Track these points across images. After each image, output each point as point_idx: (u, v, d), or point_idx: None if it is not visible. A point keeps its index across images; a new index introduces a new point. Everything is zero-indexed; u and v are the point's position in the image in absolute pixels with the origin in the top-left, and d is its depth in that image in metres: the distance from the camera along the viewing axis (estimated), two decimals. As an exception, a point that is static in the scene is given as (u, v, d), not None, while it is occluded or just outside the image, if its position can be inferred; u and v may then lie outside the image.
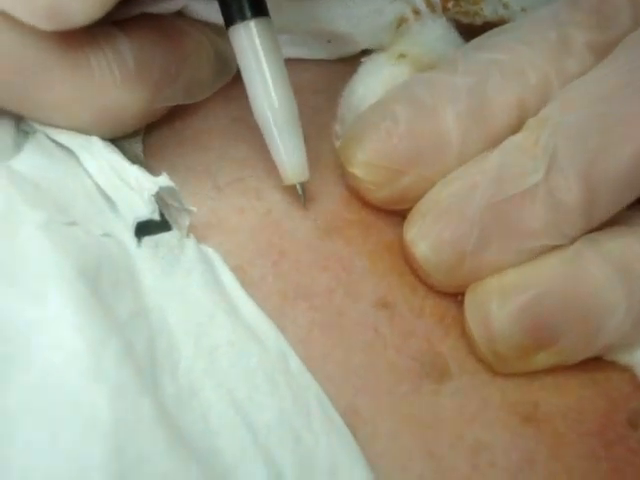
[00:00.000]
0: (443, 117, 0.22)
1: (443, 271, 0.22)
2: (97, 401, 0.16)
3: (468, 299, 0.22)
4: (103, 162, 0.21)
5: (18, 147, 0.22)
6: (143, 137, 0.24)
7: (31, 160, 0.21)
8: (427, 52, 0.26)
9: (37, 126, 0.22)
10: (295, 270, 0.22)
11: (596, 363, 0.22)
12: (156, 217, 0.20)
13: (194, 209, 0.21)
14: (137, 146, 0.23)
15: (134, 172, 0.21)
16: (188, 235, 0.21)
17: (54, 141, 0.22)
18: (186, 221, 0.21)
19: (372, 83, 0.25)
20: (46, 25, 0.19)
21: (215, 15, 0.22)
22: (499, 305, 0.21)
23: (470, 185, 0.21)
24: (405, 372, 0.21)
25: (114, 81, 0.21)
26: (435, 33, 0.27)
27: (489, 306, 0.21)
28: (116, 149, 0.22)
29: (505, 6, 0.30)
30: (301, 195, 0.23)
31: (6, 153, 0.21)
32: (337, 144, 0.25)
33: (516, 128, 0.22)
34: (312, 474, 0.18)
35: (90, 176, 0.21)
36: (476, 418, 0.21)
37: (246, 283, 0.21)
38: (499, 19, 0.29)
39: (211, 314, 0.20)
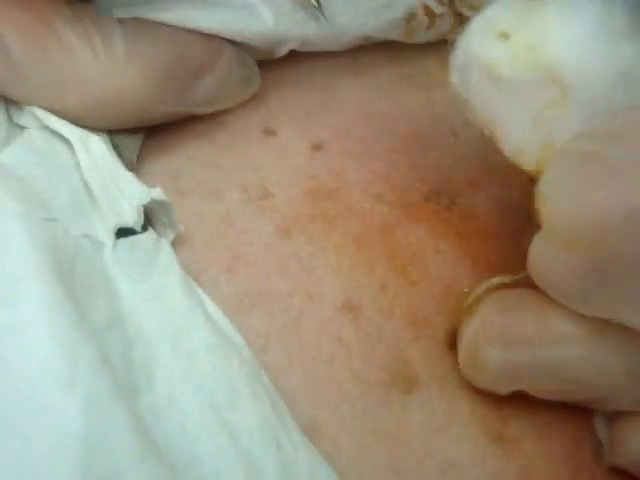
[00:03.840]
0: None
1: None
2: (70, 411, 0.15)
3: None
4: (99, 160, 0.20)
5: (7, 141, 0.21)
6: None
7: (18, 154, 0.20)
8: None
9: (37, 113, 0.21)
10: (252, 274, 0.21)
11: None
12: (138, 228, 0.19)
13: (182, 228, 0.20)
14: (134, 145, 0.22)
15: (128, 178, 0.20)
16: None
17: (53, 132, 0.21)
18: (171, 237, 0.20)
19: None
20: None
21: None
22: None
23: None
24: (371, 383, 0.20)
25: (99, 64, 0.20)
26: None
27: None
28: (113, 151, 0.21)
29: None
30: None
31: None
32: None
33: None
34: None
35: (81, 170, 0.20)
36: (445, 432, 0.19)
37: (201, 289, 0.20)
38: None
39: (189, 316, 0.19)
